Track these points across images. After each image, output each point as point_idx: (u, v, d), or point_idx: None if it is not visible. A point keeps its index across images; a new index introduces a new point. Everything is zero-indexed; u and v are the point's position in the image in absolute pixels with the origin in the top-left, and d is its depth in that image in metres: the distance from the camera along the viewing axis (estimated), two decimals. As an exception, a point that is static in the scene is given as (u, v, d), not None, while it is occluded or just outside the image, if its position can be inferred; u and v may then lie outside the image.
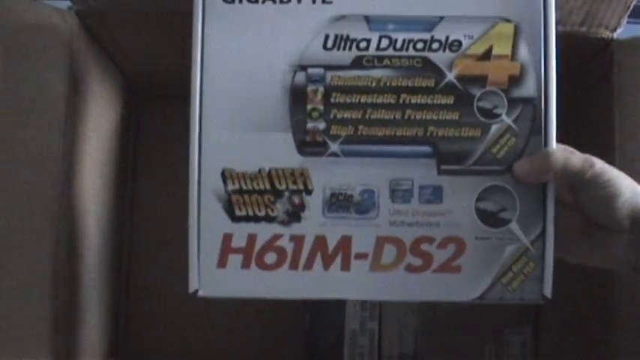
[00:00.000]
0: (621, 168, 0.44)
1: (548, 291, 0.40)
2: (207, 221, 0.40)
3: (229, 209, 0.40)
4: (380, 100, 0.40)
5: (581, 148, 0.40)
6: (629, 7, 0.47)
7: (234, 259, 0.40)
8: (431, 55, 0.40)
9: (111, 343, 0.63)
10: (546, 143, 0.40)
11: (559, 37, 0.40)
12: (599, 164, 0.39)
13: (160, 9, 0.48)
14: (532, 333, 0.63)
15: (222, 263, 0.40)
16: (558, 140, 0.40)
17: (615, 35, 0.49)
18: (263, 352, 0.65)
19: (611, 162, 0.47)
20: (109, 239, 0.61)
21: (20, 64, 0.45)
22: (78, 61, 0.50)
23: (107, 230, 0.60)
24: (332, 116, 0.40)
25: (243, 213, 0.40)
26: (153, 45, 0.55)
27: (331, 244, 0.40)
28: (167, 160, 0.66)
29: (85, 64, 0.52)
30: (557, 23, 0.42)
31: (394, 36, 0.40)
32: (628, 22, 0.49)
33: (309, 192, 0.40)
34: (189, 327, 0.65)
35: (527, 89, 0.40)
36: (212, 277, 0.40)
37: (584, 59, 0.54)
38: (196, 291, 0.40)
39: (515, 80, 0.40)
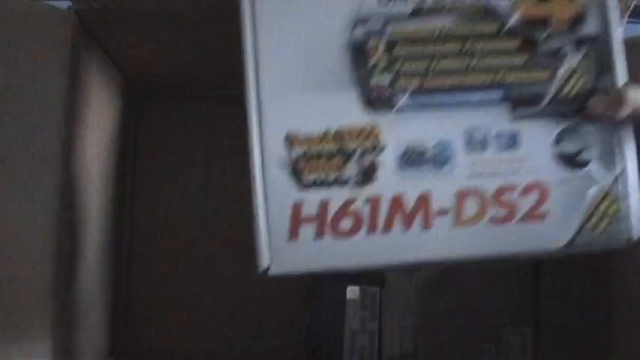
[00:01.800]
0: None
1: (637, 231, 0.38)
2: (273, 192, 0.37)
3: (296, 176, 0.38)
4: (444, 49, 0.39)
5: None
6: (629, 6, 0.47)
7: (306, 230, 0.37)
8: (491, 0, 0.39)
9: (111, 343, 0.63)
10: (616, 80, 0.39)
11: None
12: None
13: (160, 9, 0.47)
14: (532, 333, 0.63)
15: (293, 235, 0.37)
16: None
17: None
18: (263, 351, 0.65)
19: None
20: (109, 238, 0.61)
21: (20, 64, 0.45)
22: (78, 61, 0.49)
23: (107, 229, 0.60)
24: (396, 69, 0.38)
25: (312, 179, 0.38)
26: (153, 45, 0.56)
27: (409, 203, 0.38)
28: (167, 160, 0.68)
29: (85, 64, 0.52)
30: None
31: None
32: (628, 22, 0.48)
33: (380, 150, 0.38)
34: (189, 327, 0.65)
35: (591, 27, 0.39)
36: (283, 251, 0.37)
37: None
38: (266, 269, 0.37)
39: (579, 19, 0.39)
